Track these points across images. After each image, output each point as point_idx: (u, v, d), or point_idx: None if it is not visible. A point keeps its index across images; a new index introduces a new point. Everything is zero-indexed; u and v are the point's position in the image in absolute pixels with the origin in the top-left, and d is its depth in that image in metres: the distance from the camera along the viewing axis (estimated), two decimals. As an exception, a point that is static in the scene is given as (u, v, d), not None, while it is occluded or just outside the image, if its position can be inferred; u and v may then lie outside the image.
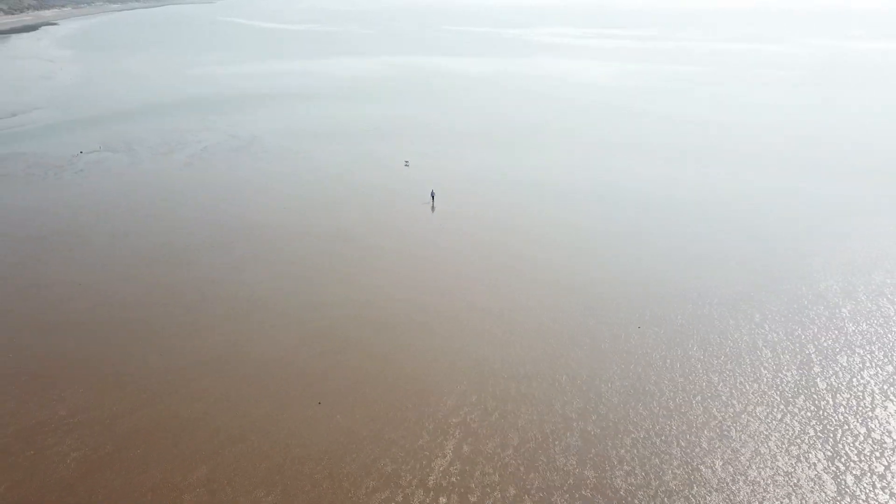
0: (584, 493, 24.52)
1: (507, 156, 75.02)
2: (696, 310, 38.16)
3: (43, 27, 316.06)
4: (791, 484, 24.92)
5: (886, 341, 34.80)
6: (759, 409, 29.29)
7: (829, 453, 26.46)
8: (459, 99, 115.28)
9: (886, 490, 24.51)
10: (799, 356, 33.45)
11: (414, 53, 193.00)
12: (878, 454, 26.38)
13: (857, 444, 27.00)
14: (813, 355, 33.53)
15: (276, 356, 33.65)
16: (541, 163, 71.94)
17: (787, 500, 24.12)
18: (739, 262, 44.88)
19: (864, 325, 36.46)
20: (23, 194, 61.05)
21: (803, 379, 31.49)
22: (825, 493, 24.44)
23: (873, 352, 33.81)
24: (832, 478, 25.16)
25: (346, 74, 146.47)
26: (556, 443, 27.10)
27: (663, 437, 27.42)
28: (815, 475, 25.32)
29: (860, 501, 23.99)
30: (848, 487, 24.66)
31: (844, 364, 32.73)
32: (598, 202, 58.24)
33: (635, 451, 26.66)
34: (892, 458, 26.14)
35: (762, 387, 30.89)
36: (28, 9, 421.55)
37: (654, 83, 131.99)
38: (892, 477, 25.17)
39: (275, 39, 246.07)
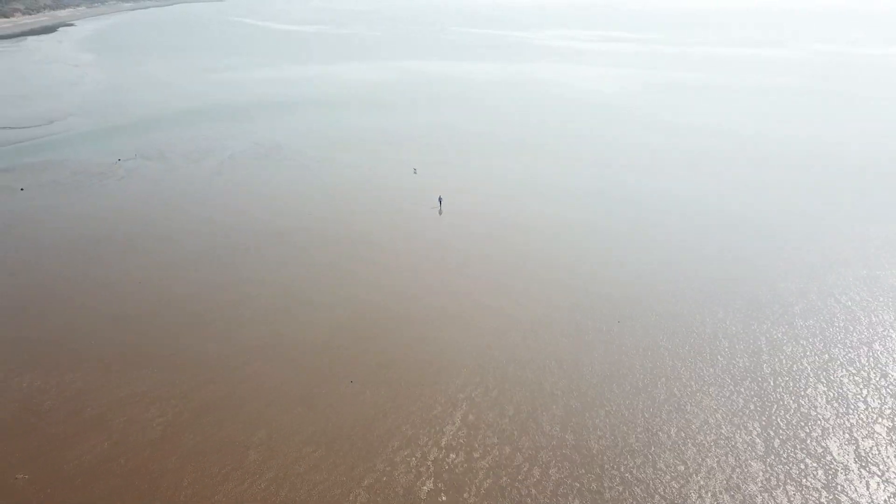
0: (564, 451, 31.04)
1: (510, 163, 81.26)
2: (669, 307, 44.55)
3: (61, 28, 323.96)
4: (730, 446, 31.36)
5: (828, 335, 41.10)
6: (711, 388, 35.73)
7: (764, 423, 32.88)
8: (465, 106, 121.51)
9: (804, 450, 30.91)
10: (752, 346, 39.83)
11: (420, 58, 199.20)
12: (802, 424, 32.78)
13: (787, 416, 33.41)
14: (763, 346, 39.91)
15: (312, 344, 40.29)
16: (543, 170, 78.14)
17: (724, 458, 30.56)
18: (710, 267, 51.15)
19: (811, 321, 42.78)
20: (75, 201, 67.89)
21: (752, 365, 37.89)
22: (755, 452, 30.88)
23: (815, 343, 40.15)
24: (763, 441, 31.60)
25: (356, 80, 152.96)
26: (544, 413, 33.62)
27: (631, 410, 33.89)
28: (750, 440, 31.76)
29: (781, 458, 30.41)
30: (774, 448, 31.09)
31: (789, 353, 39.10)
32: (595, 210, 64.49)
33: (607, 420, 33.14)
34: (814, 427, 32.52)
35: (717, 371, 37.31)
36: (44, 9, 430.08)
37: (656, 90, 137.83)
38: (811, 441, 31.56)
39: (288, 42, 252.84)
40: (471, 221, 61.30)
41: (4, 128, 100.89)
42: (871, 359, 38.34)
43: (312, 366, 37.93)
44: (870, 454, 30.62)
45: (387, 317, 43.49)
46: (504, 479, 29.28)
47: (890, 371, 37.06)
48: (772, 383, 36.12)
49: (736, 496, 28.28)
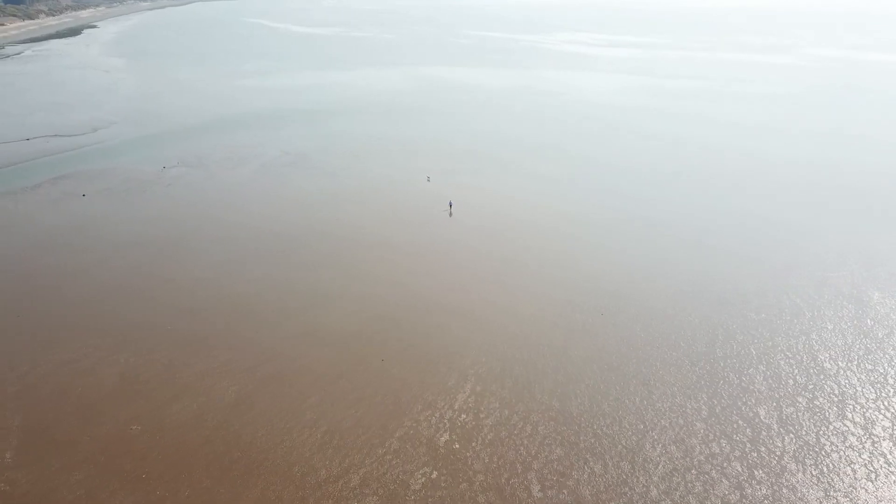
0: (551, 414, 39.75)
1: (515, 171, 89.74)
2: (645, 302, 53.09)
3: (85, 30, 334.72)
4: (681, 411, 39.94)
5: (774, 326, 49.49)
6: (672, 368, 44.30)
7: (710, 394, 41.44)
8: (476, 115, 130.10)
9: (738, 414, 39.43)
10: (709, 335, 48.34)
11: (434, 64, 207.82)
12: (740, 395, 41.32)
13: (729, 389, 41.96)
14: (719, 334, 48.40)
15: (347, 331, 49.16)
16: (545, 178, 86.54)
17: (675, 419, 39.15)
18: (685, 269, 59.58)
19: (763, 315, 51.21)
20: (130, 206, 77.14)
21: (707, 350, 46.41)
22: (700, 415, 39.44)
23: (762, 332, 48.60)
24: (707, 407, 40.18)
25: (372, 88, 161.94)
26: (536, 386, 42.34)
27: (605, 384, 42.55)
28: (697, 406, 40.33)
29: (720, 420, 38.97)
30: (715, 413, 39.64)
31: (739, 340, 47.59)
32: (589, 217, 72.97)
33: (586, 391, 41.81)
34: (749, 397, 41.03)
35: (678, 354, 45.88)
36: (66, 9, 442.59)
37: (656, 100, 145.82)
38: (745, 407, 40.07)
39: (305, 46, 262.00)
40: (477, 224, 69.91)
41: (56, 136, 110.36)
42: (807, 346, 46.79)
43: (349, 348, 46.82)
44: (789, 418, 39.15)
45: (407, 310, 52.30)
46: (503, 433, 38.06)
47: (819, 355, 45.50)
48: (721, 364, 44.66)
49: (680, 447, 36.90)
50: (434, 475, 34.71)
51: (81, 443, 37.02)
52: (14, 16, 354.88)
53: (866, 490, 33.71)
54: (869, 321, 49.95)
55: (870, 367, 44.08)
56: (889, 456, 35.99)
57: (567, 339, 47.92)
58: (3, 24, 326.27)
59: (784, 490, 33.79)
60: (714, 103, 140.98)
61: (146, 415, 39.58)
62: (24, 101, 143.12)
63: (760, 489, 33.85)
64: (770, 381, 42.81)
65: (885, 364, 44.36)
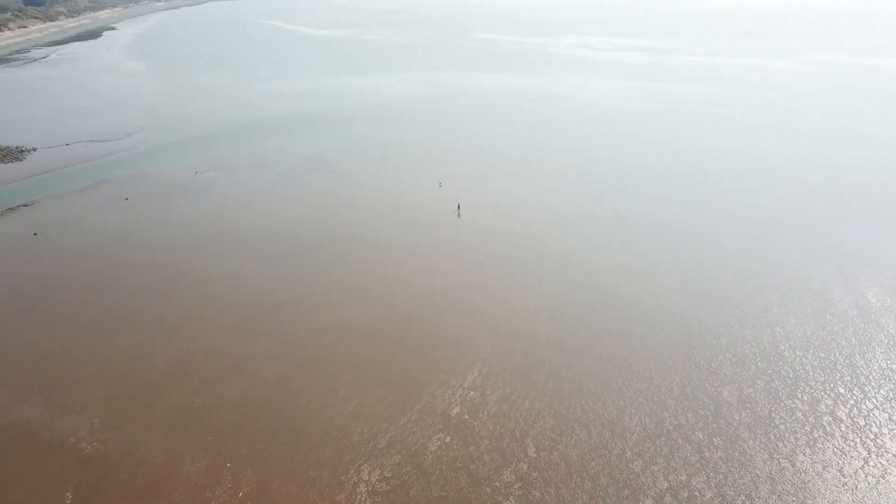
0: (545, 392, 46.91)
1: (522, 175, 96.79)
2: (633, 298, 60.15)
3: (104, 32, 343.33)
4: (656, 390, 46.99)
5: (745, 320, 56.40)
6: (652, 354, 51.33)
7: (682, 376, 48.44)
8: (485, 121, 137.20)
9: (704, 393, 46.46)
10: (687, 326, 55.34)
11: (445, 69, 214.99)
12: (708, 377, 48.34)
13: (699, 372, 48.97)
14: (696, 326, 55.40)
15: (370, 323, 56.47)
16: (549, 183, 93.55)
17: (651, 396, 46.21)
18: (672, 269, 66.55)
19: (737, 310, 58.15)
20: (169, 209, 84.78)
21: (684, 339, 53.41)
22: (672, 393, 46.52)
23: (733, 325, 55.56)
24: (678, 387, 47.22)
25: (385, 93, 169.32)
26: (533, 370, 49.53)
27: (592, 369, 49.63)
28: (669, 387, 47.36)
29: (688, 398, 46.04)
30: (685, 392, 46.71)
31: (713, 331, 54.58)
32: (589, 219, 80.00)
33: (576, 375, 48.93)
34: (715, 379, 48.01)
35: (658, 343, 52.90)
36: (85, 10, 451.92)
37: (659, 106, 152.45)
38: (711, 388, 47.06)
39: (320, 49, 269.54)
40: (483, 225, 77.02)
41: (92, 141, 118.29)
42: (771, 337, 53.78)
43: (372, 338, 54.15)
44: (748, 397, 46.19)
45: (421, 305, 59.59)
46: (505, 407, 45.32)
47: (780, 345, 52.47)
48: (694, 353, 51.69)
49: (653, 419, 44.02)
50: (447, 439, 42.03)
51: (155, 411, 44.60)
52: (35, 18, 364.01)
53: (804, 454, 40.75)
54: (828, 316, 56.84)
55: (823, 355, 51.04)
56: (827, 428, 42.99)
57: (562, 331, 55.06)
58: (25, 27, 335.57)
59: (736, 453, 40.87)
60: (713, 109, 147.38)
61: (204, 391, 47.10)
62: (57, 106, 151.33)
63: (717, 452, 40.96)
64: (735, 366, 49.84)
65: (836, 353, 51.29)
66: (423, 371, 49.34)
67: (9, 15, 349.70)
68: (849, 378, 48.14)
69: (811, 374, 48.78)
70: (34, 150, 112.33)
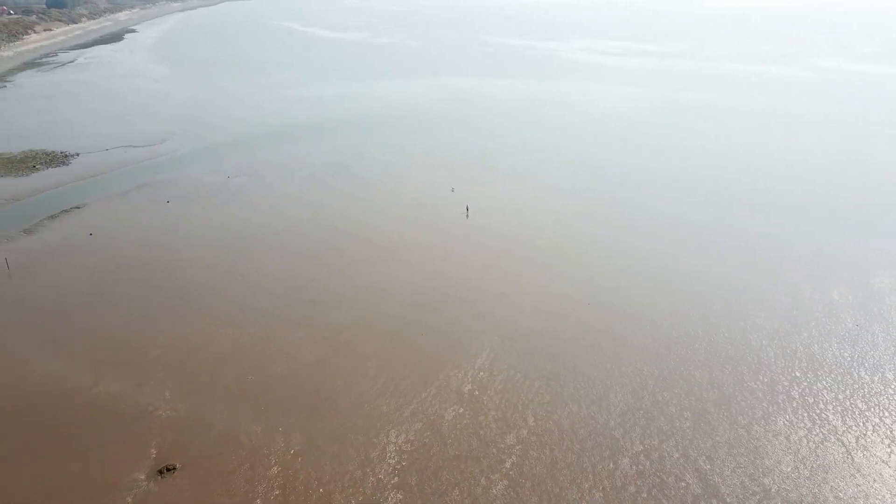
0: (543, 373, 55.05)
1: (527, 179, 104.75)
2: (624, 293, 68.13)
3: (126, 35, 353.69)
4: (639, 373, 54.97)
5: (723, 313, 64.24)
6: (637, 343, 59.29)
7: (662, 361, 56.42)
8: (494, 127, 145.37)
9: (679, 375, 54.44)
10: (669, 321, 63.24)
11: (457, 74, 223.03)
12: (684, 362, 56.25)
13: (677, 358, 56.93)
14: (678, 320, 63.29)
15: (393, 314, 64.72)
16: (554, 186, 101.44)
17: (635, 378, 54.21)
18: (662, 268, 74.46)
19: (716, 307, 65.96)
20: (207, 211, 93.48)
21: (666, 331, 61.35)
22: (652, 375, 54.49)
23: (712, 319, 63.41)
24: (658, 370, 55.18)
25: (400, 99, 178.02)
26: (534, 354, 57.65)
27: (585, 354, 57.70)
28: (650, 370, 55.30)
29: (666, 379, 54.02)
30: (663, 375, 54.70)
31: (692, 323, 62.48)
32: (588, 221, 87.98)
33: (570, 359, 56.97)
34: (690, 363, 55.94)
35: (643, 333, 60.88)
36: (105, 12, 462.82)
37: (664, 113, 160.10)
38: (686, 371, 54.99)
39: (337, 54, 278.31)
40: (490, 225, 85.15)
41: (129, 146, 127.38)
42: (742, 329, 61.63)
43: (396, 326, 62.46)
44: (716, 378, 54.13)
45: (437, 299, 67.85)
46: (509, 385, 53.53)
47: (749, 335, 60.31)
48: (674, 342, 59.64)
49: (635, 396, 52.04)
50: (461, 410, 50.33)
51: (215, 386, 53.21)
52: (59, 20, 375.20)
53: (759, 425, 48.71)
54: (794, 311, 64.63)
55: (785, 344, 58.91)
56: (781, 404, 50.91)
57: (559, 322, 63.21)
58: (50, 30, 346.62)
59: (702, 424, 48.89)
60: (714, 118, 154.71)
61: (254, 370, 55.64)
62: (91, 111, 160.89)
63: (686, 423, 48.99)
64: (708, 353, 57.78)
65: (797, 343, 59.14)
66: (440, 355, 57.62)
67: (34, 18, 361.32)
68: (805, 364, 56.01)
69: (773, 360, 56.67)
70: (77, 154, 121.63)
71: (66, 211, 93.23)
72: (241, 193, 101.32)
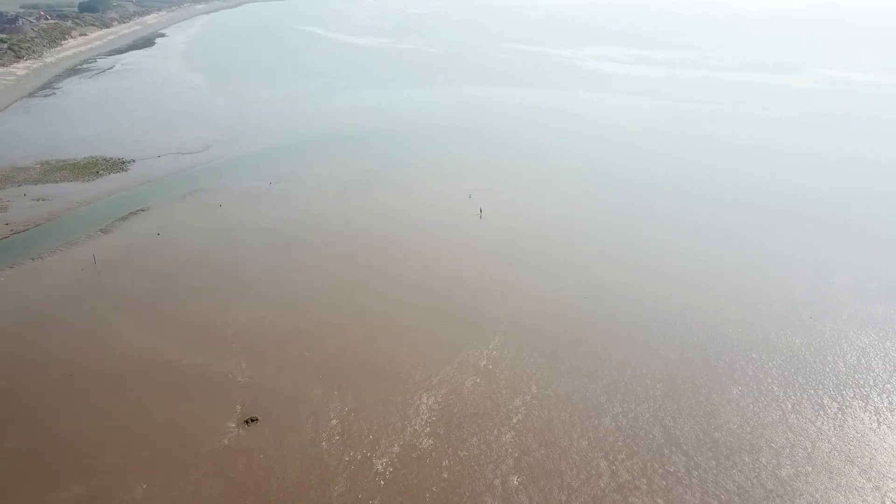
0: (544, 353, 67.54)
1: (537, 184, 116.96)
2: (619, 288, 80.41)
3: (157, 40, 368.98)
4: (623, 354, 67.33)
5: (706, 308, 76.32)
6: (629, 334, 71.64)
7: (643, 344, 68.67)
8: (508, 135, 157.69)
9: (657, 356, 66.69)
10: (654, 312, 75.44)
11: (475, 83, 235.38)
12: (662, 345, 68.52)
13: (656, 342, 69.15)
14: (667, 316, 75.45)
15: (419, 304, 77.41)
16: (563, 193, 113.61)
17: (619, 358, 66.54)
18: (657, 273, 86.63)
19: (696, 300, 78.07)
20: (254, 215, 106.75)
21: (650, 321, 73.51)
22: (635, 355, 66.78)
23: (694, 313, 75.52)
24: (640, 352, 67.46)
25: (420, 109, 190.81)
26: (538, 340, 70.11)
27: (579, 339, 70.11)
28: (633, 351, 67.63)
29: (647, 357, 66.28)
30: (646, 354, 66.97)
31: (675, 315, 74.60)
32: (594, 220, 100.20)
33: (567, 343, 69.40)
34: (667, 347, 68.15)
35: (635, 325, 73.20)
36: (134, 15, 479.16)
37: (672, 124, 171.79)
38: (663, 353, 67.21)
39: (360, 60, 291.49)
40: (502, 226, 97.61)
41: (179, 153, 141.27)
42: (714, 322, 73.69)
43: (421, 314, 75.20)
44: (688, 359, 66.32)
45: (455, 290, 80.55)
46: (517, 361, 66.13)
47: (719, 326, 72.39)
48: (657, 330, 71.84)
49: (619, 371, 64.42)
50: (478, 380, 63.07)
51: (281, 359, 66.35)
52: (93, 25, 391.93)
53: (716, 394, 60.97)
54: (761, 306, 76.61)
55: (748, 332, 70.97)
56: (737, 378, 63.07)
57: (559, 314, 75.65)
58: (85, 34, 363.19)
59: (671, 392, 61.18)
60: (718, 129, 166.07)
61: (311, 348, 68.71)
62: (138, 119, 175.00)
63: (657, 392, 61.33)
64: (682, 339, 69.99)
65: (759, 332, 71.18)
66: (459, 337, 70.30)
67: (69, 23, 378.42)
68: (761, 348, 68.10)
69: (736, 344, 68.76)
70: (133, 161, 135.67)
71: (133, 213, 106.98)
72: (284, 198, 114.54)
